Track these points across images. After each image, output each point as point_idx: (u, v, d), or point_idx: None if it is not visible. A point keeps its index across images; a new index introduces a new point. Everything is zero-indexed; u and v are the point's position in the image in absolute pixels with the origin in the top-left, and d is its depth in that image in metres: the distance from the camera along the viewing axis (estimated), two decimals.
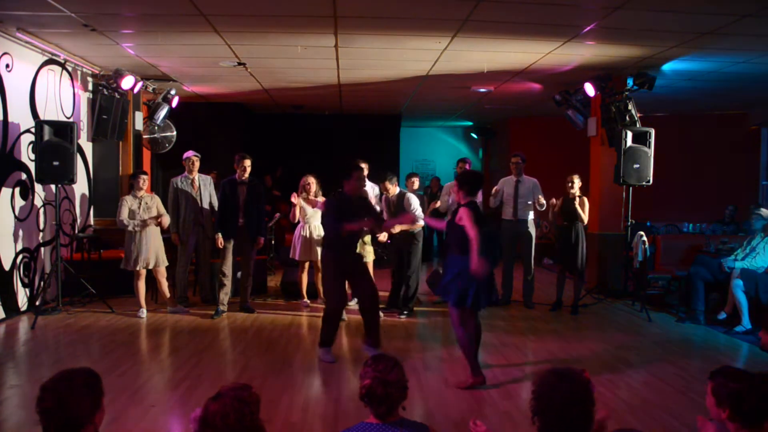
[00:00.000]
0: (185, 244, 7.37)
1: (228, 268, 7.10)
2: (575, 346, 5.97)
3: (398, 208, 6.99)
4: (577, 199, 7.38)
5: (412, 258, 7.16)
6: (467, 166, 7.87)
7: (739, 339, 6.29)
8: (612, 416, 3.99)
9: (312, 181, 7.39)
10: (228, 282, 7.12)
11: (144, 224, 6.77)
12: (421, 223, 7.06)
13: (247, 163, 7.05)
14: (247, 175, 7.06)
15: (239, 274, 7.41)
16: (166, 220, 7.02)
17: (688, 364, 5.45)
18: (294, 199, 7.30)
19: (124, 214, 6.74)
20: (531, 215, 7.77)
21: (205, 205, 7.44)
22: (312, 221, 7.35)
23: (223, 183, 7.19)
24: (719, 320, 6.82)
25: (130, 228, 6.75)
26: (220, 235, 7.07)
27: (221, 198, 7.12)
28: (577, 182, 7.45)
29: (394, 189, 7.08)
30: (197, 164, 7.45)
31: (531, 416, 2.17)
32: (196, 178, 7.43)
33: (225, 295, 7.12)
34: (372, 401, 2.35)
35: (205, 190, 7.47)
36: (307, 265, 7.53)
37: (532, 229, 7.79)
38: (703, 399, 4.15)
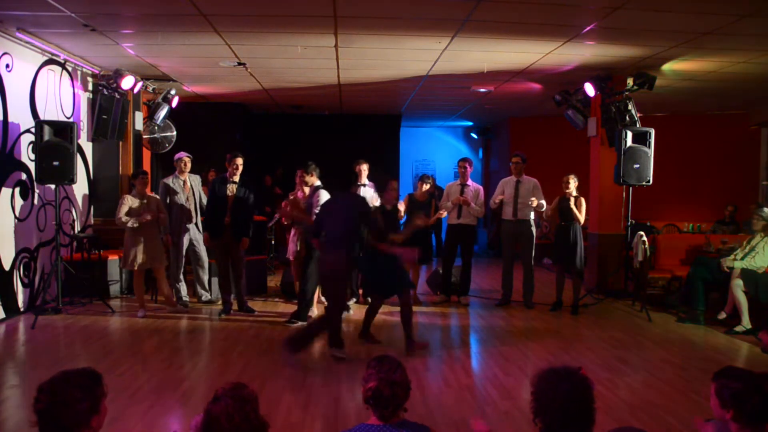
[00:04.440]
0: (177, 244, 7.37)
1: (223, 267, 7.07)
2: (575, 346, 5.97)
3: (307, 204, 6.64)
4: (572, 199, 7.37)
5: (306, 264, 6.71)
6: (468, 167, 7.85)
7: (739, 339, 6.30)
8: (611, 415, 4.00)
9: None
10: (225, 281, 7.11)
11: (142, 218, 6.75)
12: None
13: (239, 161, 6.94)
14: (238, 174, 6.97)
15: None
16: (165, 218, 7.02)
17: (688, 364, 5.45)
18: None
19: (123, 212, 6.74)
20: (531, 215, 7.77)
21: (197, 205, 7.47)
22: None
23: (213, 181, 7.20)
24: (719, 320, 6.82)
25: (129, 225, 6.74)
26: (206, 233, 7.05)
27: (210, 195, 7.08)
28: (573, 182, 7.45)
29: (313, 180, 6.72)
30: (189, 165, 7.46)
31: (532, 418, 2.17)
32: (188, 178, 7.44)
33: (227, 294, 7.15)
34: (378, 403, 2.32)
35: (196, 189, 7.49)
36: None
37: (533, 229, 7.79)
38: (703, 399, 4.15)
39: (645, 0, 5.42)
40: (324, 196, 6.43)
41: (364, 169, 7.69)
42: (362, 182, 7.71)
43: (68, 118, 7.91)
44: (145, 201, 6.87)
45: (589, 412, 2.10)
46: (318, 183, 6.72)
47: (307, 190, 6.91)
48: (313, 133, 13.07)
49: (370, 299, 6.10)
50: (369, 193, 7.64)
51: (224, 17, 6.13)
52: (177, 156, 7.45)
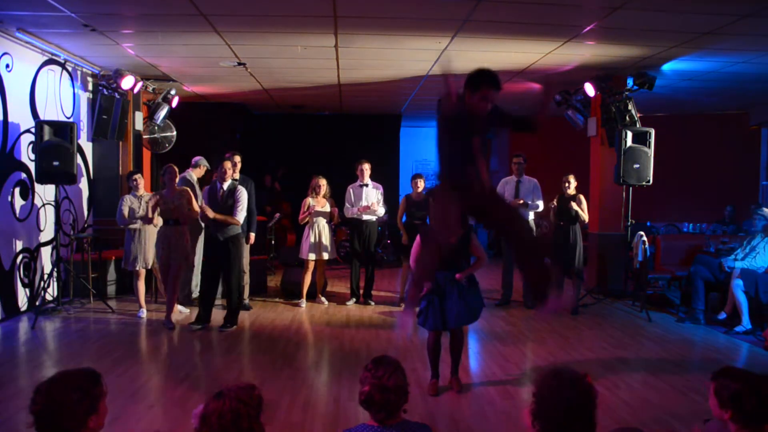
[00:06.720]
0: (193, 245, 7.36)
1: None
2: (575, 346, 5.97)
3: (226, 200, 6.41)
4: (574, 200, 7.36)
5: (232, 263, 6.39)
6: None
7: (739, 339, 6.30)
8: (608, 411, 4.00)
9: (323, 183, 7.54)
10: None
11: (146, 218, 6.73)
12: (239, 220, 6.38)
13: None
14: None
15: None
16: (195, 212, 6.93)
17: (688, 364, 5.46)
18: (306, 205, 7.51)
19: (125, 213, 6.75)
20: (531, 215, 7.77)
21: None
22: (320, 221, 7.48)
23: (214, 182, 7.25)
24: (719, 320, 6.82)
25: (132, 225, 6.74)
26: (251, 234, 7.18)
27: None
28: (573, 182, 7.46)
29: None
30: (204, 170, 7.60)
31: (531, 419, 2.14)
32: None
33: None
34: (371, 407, 2.33)
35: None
36: (312, 265, 7.55)
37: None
38: (702, 399, 4.14)
39: (645, 0, 5.42)
40: (244, 193, 6.46)
41: (366, 168, 7.70)
42: (364, 182, 7.71)
43: (68, 118, 7.91)
44: (144, 201, 6.86)
45: (589, 420, 2.07)
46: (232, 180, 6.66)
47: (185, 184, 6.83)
48: (313, 133, 13.06)
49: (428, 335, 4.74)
50: (373, 193, 7.66)
51: (224, 17, 6.12)
52: (199, 158, 7.57)
